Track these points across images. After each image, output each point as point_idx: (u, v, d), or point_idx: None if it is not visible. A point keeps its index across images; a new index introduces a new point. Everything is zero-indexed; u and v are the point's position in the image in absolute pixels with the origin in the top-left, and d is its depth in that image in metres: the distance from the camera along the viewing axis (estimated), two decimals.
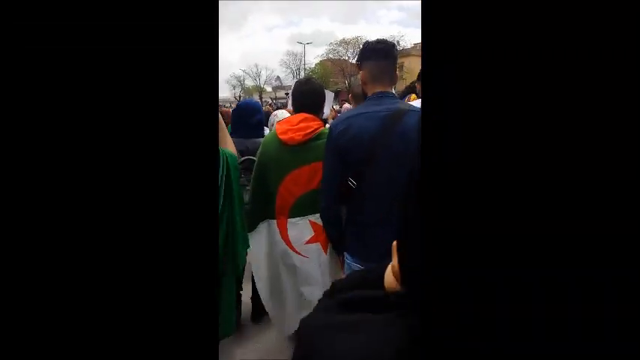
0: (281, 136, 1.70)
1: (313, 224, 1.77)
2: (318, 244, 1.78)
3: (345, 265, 1.65)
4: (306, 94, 1.85)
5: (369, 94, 1.60)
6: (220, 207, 1.32)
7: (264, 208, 1.82)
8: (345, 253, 1.66)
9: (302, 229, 1.77)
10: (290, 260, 1.82)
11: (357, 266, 1.54)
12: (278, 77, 40.64)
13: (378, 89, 1.57)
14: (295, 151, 1.72)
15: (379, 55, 1.57)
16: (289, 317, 1.98)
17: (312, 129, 1.73)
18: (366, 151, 1.40)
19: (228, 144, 1.54)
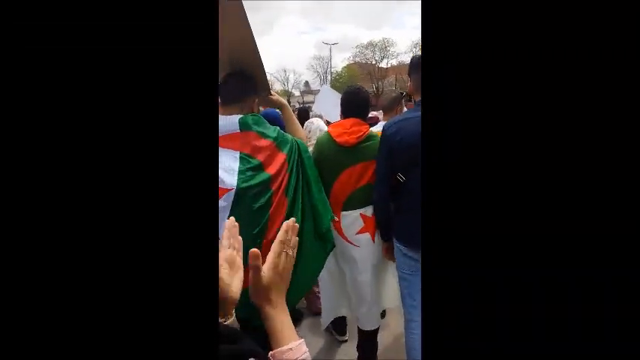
0: (337, 139, 1.97)
1: (363, 217, 2.04)
2: (368, 234, 2.05)
3: (395, 249, 1.94)
4: (358, 102, 2.11)
5: (416, 101, 1.86)
6: (292, 190, 1.44)
7: None
8: (393, 238, 1.94)
9: (354, 221, 2.03)
10: (347, 251, 2.07)
11: (404, 248, 1.82)
12: (307, 82, 40.00)
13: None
14: (348, 152, 1.98)
15: None
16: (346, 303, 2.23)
17: (362, 132, 1.99)
18: (410, 154, 1.63)
19: (298, 131, 1.74)
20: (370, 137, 1.99)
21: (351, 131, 1.97)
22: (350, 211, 2.01)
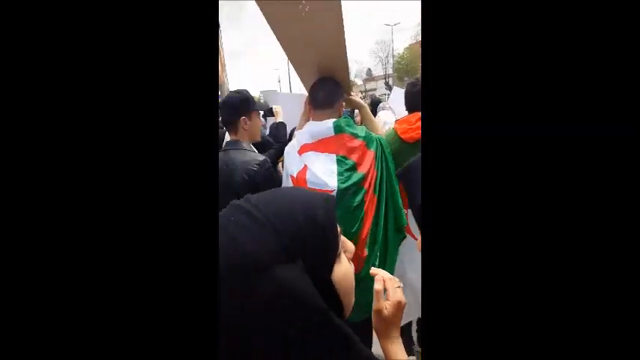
0: (402, 136, 1.95)
1: None
2: None
3: None
4: (414, 95, 2.08)
5: None
6: (378, 186, 1.50)
7: None
8: None
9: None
10: (413, 247, 2.07)
11: None
12: (369, 69, 39.33)
13: None
14: (414, 147, 1.95)
15: None
16: None
17: None
18: None
19: (379, 130, 1.73)
20: None
21: (417, 127, 1.94)
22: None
